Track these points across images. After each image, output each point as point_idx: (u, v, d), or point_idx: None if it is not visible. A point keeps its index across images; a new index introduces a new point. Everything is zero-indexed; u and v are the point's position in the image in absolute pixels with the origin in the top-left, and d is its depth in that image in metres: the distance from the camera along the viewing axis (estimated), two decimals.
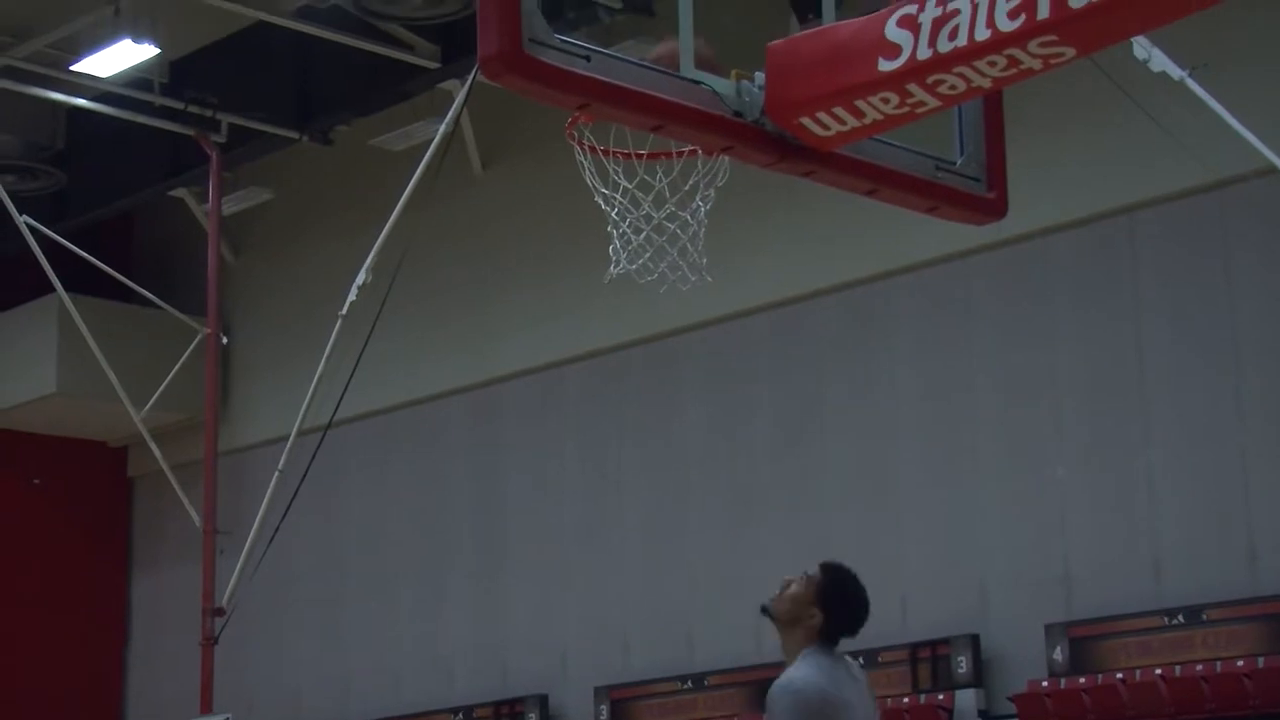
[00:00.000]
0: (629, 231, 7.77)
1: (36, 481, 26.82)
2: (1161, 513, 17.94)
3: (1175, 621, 17.49)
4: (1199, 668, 17.10)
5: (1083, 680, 17.73)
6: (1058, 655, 18.08)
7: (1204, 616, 17.35)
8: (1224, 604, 17.27)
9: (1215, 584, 17.37)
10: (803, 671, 5.61)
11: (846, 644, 18.56)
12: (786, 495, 20.55)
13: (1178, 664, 17.27)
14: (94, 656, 27.08)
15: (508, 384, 23.44)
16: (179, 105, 22.31)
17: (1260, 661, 16.83)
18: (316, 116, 22.78)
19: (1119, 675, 17.57)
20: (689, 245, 7.95)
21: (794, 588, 5.82)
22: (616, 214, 7.80)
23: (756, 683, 20.14)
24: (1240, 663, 16.91)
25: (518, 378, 23.34)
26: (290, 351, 24.32)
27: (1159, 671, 17.29)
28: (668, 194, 7.90)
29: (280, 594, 23.76)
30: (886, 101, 6.84)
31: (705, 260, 8.00)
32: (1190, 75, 14.92)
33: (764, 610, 5.83)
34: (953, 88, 6.76)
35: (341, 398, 18.31)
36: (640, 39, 18.27)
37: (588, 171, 8.12)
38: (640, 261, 7.81)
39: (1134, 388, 18.31)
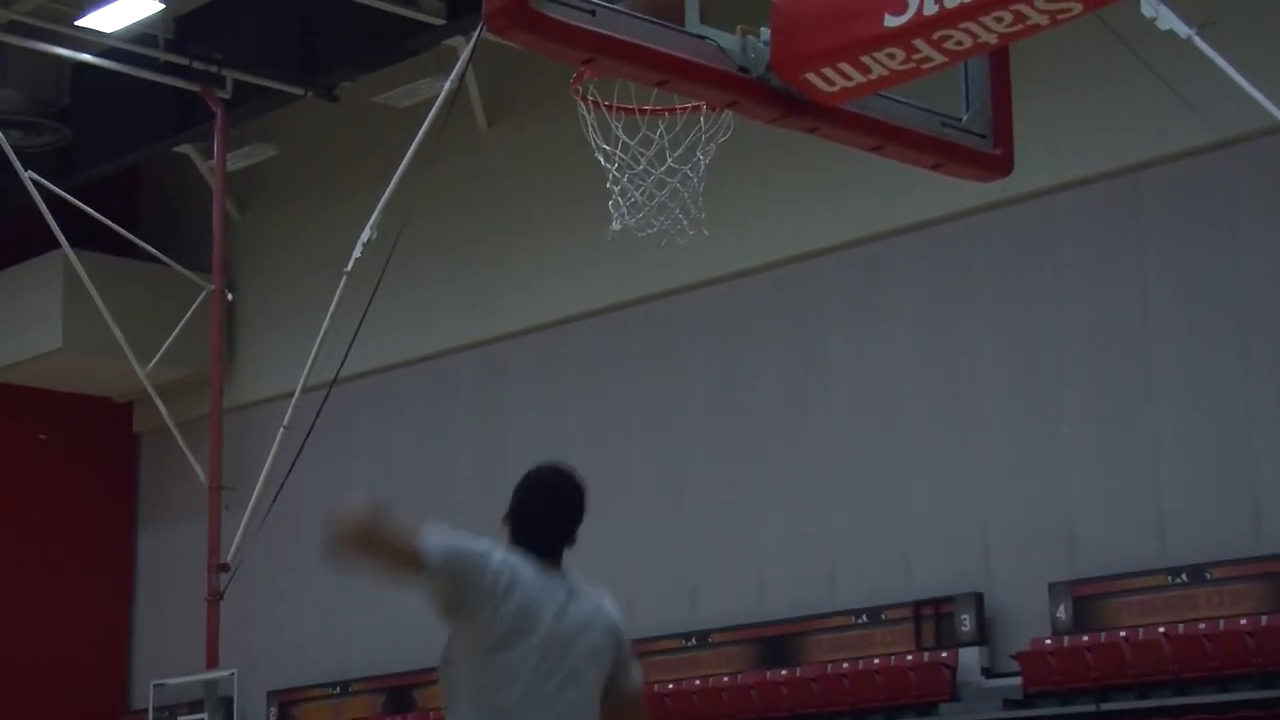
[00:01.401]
0: (630, 187, 7.76)
1: (43, 437, 26.87)
2: (1165, 472, 17.95)
3: (1179, 580, 17.50)
4: (1202, 626, 17.13)
5: (1086, 638, 17.76)
6: (1061, 613, 18.11)
7: (1207, 575, 17.36)
8: (1227, 563, 17.29)
9: (1219, 543, 17.38)
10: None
11: (859, 598, 18.32)
12: (790, 453, 20.56)
13: (1181, 622, 17.30)
14: (100, 611, 27.15)
15: (513, 341, 23.44)
16: (184, 61, 22.27)
17: (1263, 620, 16.85)
18: (321, 73, 22.73)
19: (1122, 634, 17.59)
20: (689, 201, 7.94)
21: None
22: (618, 169, 7.79)
23: (760, 640, 20.20)
24: (1243, 621, 16.93)
25: (523, 335, 23.34)
26: (295, 308, 24.31)
27: (1162, 630, 17.32)
28: (670, 150, 7.89)
29: (285, 550, 23.76)
30: (892, 57, 6.82)
31: (704, 216, 7.99)
32: (1197, 33, 14.85)
33: None
34: (959, 44, 6.73)
35: (346, 354, 18.33)
36: None
37: (590, 128, 8.11)
38: (640, 215, 7.81)
39: (1139, 346, 18.29)
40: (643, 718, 5.14)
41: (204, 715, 20.10)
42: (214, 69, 22.32)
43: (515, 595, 4.89)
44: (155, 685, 21.44)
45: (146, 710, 21.64)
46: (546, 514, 5.09)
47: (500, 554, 4.96)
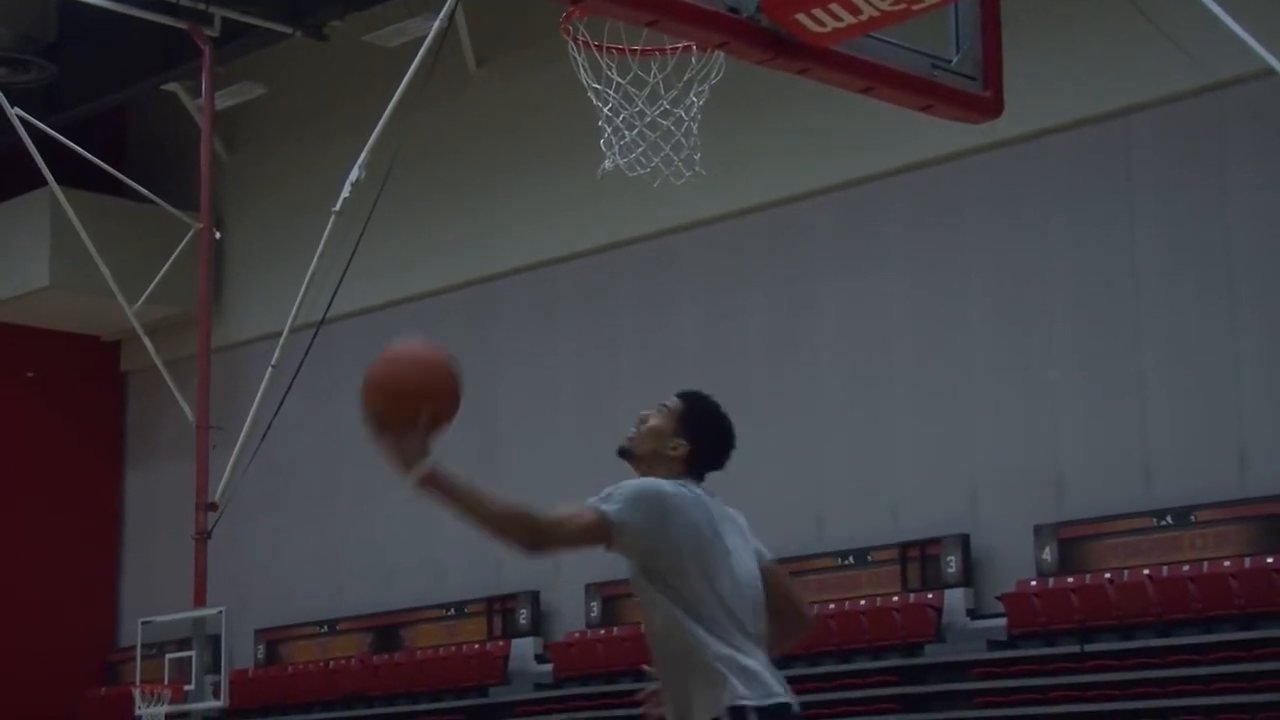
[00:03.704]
0: (622, 127, 7.74)
1: (30, 375, 26.84)
2: (1152, 415, 18.00)
3: (1164, 523, 17.58)
4: (1187, 568, 17.22)
5: (1071, 580, 17.85)
6: (1047, 555, 18.19)
7: (1193, 518, 17.44)
8: (1212, 505, 17.36)
9: (1204, 486, 17.45)
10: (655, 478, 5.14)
11: (846, 539, 18.39)
12: (779, 396, 20.59)
13: (1166, 565, 17.39)
14: (88, 549, 27.20)
15: (502, 281, 23.42)
16: None
17: (1247, 562, 16.95)
18: (310, 11, 22.61)
19: (1107, 575, 17.69)
20: (683, 141, 7.92)
21: (653, 420, 5.37)
22: (610, 110, 7.77)
23: None
24: (1227, 563, 17.02)
25: (512, 275, 23.33)
26: (284, 247, 24.28)
27: (1147, 572, 17.41)
28: (662, 90, 7.87)
29: (273, 489, 23.84)
30: None
31: (699, 156, 7.97)
32: None
33: (622, 452, 5.39)
34: None
35: (335, 293, 18.32)
36: None
37: (581, 68, 8.09)
38: (632, 156, 7.80)
39: (1127, 290, 18.31)
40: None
41: (192, 653, 20.15)
42: (202, 6, 22.17)
43: (709, 521, 5.14)
44: (143, 623, 21.48)
45: (134, 647, 21.68)
46: (726, 440, 5.36)
47: (671, 491, 5.12)
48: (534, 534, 4.90)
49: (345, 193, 18.54)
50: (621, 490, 5.04)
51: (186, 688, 20.14)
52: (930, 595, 18.86)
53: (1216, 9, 14.96)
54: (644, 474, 5.24)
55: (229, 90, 24.31)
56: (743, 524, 5.31)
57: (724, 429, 5.35)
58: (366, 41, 23.05)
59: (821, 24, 6.94)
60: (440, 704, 22.47)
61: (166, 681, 20.59)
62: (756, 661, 5.00)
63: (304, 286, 19.16)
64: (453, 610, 22.99)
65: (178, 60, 23.63)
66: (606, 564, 21.54)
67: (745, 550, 5.21)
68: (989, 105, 7.65)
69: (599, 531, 4.96)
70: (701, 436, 5.30)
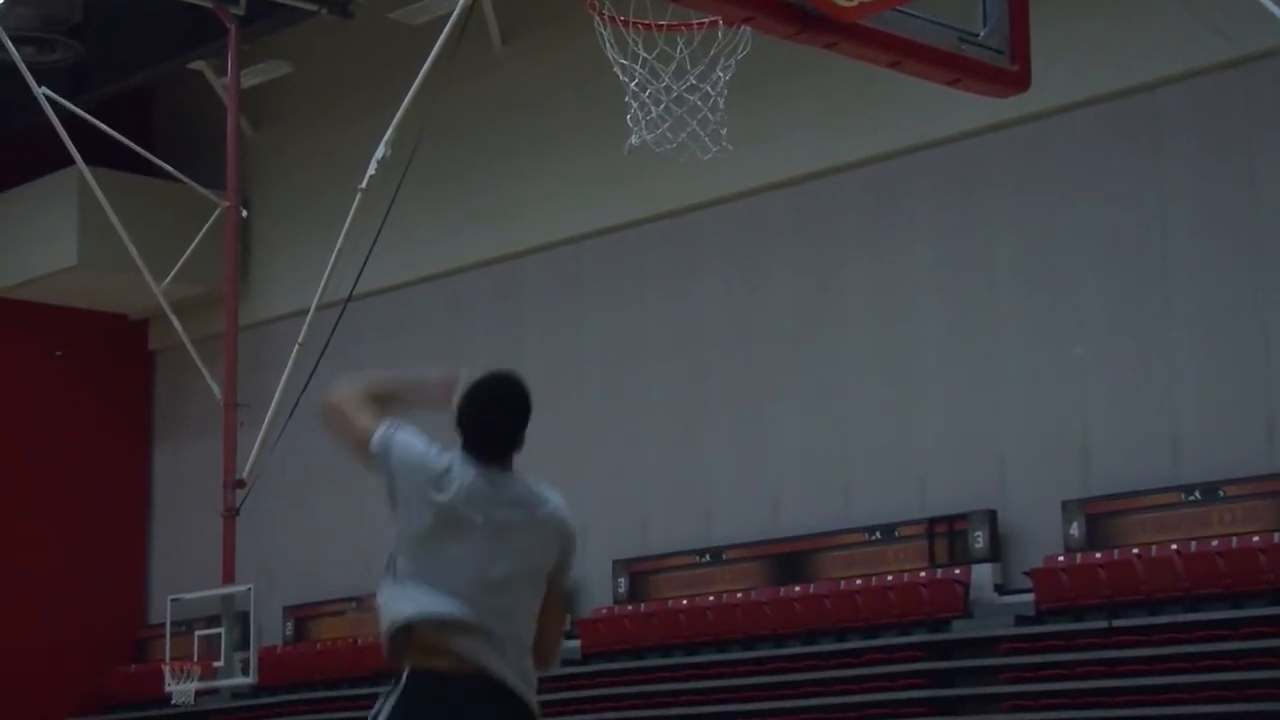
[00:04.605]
0: (649, 102, 7.74)
1: (59, 354, 26.94)
2: (1180, 390, 17.96)
3: (1192, 498, 17.55)
4: (1214, 543, 17.18)
5: (1099, 555, 17.82)
6: (1074, 531, 18.16)
7: (1221, 493, 17.40)
8: (1241, 480, 17.32)
9: (1233, 461, 17.40)
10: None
11: (873, 514, 18.29)
12: (805, 371, 20.59)
13: (1194, 540, 17.35)
14: (118, 527, 27.31)
15: (528, 258, 23.42)
16: None
17: (1276, 537, 16.89)
18: None
19: (1135, 551, 17.65)
20: (709, 116, 7.91)
21: None
22: (636, 85, 7.76)
23: (773, 556, 20.29)
24: (1256, 538, 16.98)
25: (538, 252, 23.33)
26: (310, 225, 24.30)
27: (1175, 547, 17.38)
28: (688, 65, 7.85)
29: (301, 466, 23.87)
30: None
31: (725, 131, 7.96)
32: None
33: None
34: None
35: (361, 271, 18.35)
36: None
37: (607, 43, 8.08)
38: (659, 131, 7.79)
39: (1155, 264, 18.27)
40: (563, 611, 5.53)
41: (221, 629, 20.24)
42: None
43: (451, 492, 5.36)
44: (173, 600, 21.58)
45: (164, 624, 21.78)
46: (487, 421, 5.50)
47: (442, 455, 5.41)
48: (325, 419, 5.55)
49: (371, 170, 18.56)
50: (399, 431, 5.50)
51: (216, 664, 20.23)
52: (958, 570, 18.85)
53: None
54: None
55: (255, 69, 24.33)
56: (528, 511, 5.44)
57: (476, 411, 5.52)
58: (392, 19, 23.05)
59: None
60: None
61: (196, 658, 20.70)
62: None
63: (330, 264, 19.19)
64: None
65: (204, 39, 23.65)
66: (633, 541, 21.62)
67: (505, 549, 5.33)
68: (1016, 79, 7.62)
69: (364, 453, 5.51)
70: (460, 412, 5.56)
